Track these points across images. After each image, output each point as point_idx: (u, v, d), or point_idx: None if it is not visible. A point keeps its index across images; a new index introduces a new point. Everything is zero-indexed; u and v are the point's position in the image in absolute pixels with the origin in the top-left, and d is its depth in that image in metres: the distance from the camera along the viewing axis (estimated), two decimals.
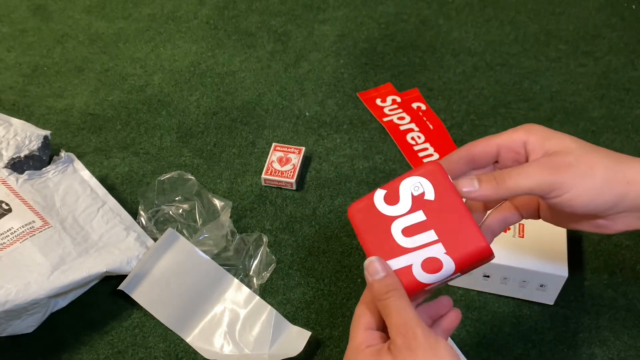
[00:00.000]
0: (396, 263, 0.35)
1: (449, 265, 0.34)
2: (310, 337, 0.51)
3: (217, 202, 0.61)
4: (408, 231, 0.35)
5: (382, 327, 0.36)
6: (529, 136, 0.35)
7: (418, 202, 0.35)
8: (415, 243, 0.34)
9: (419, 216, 0.35)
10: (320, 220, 0.63)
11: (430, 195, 0.35)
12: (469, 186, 0.34)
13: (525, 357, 0.52)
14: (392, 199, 0.36)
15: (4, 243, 0.53)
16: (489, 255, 0.34)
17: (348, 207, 0.37)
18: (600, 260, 0.58)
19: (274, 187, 0.66)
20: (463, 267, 0.34)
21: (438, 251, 0.34)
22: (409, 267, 0.34)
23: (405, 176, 0.36)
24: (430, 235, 0.34)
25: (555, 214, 0.38)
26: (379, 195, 0.36)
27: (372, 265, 0.34)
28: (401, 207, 0.35)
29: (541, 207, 0.39)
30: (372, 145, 0.70)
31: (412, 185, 0.35)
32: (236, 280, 0.57)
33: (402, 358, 0.32)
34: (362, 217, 0.36)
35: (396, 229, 0.35)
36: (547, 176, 0.33)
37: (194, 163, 0.69)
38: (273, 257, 0.59)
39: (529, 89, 0.76)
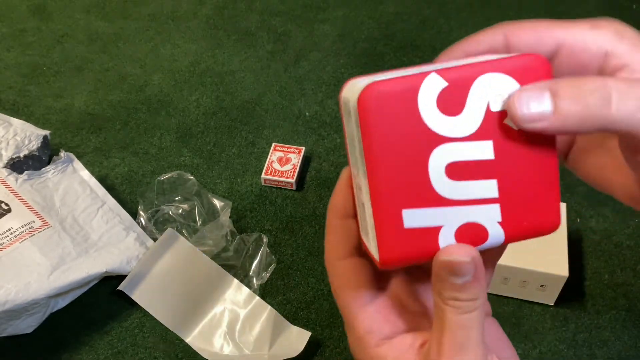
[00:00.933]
0: (419, 217, 0.21)
1: (495, 238, 0.22)
2: (310, 337, 0.51)
3: (217, 202, 0.61)
4: (456, 170, 0.21)
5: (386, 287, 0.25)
6: (619, 44, 0.22)
7: (492, 124, 0.20)
8: (461, 194, 0.21)
9: (485, 150, 0.21)
10: (320, 220, 0.63)
11: None
12: (538, 102, 0.19)
13: (526, 358, 0.52)
14: (452, 102, 0.20)
15: (4, 243, 0.53)
16: (554, 230, 0.23)
17: (364, 88, 0.20)
18: (600, 261, 0.58)
19: (274, 187, 0.66)
20: (511, 242, 0.23)
21: (489, 216, 0.21)
22: (436, 229, 0.21)
23: (488, 66, 0.20)
24: (489, 187, 0.21)
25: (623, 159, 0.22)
26: (431, 86, 0.20)
27: (461, 267, 0.21)
28: (462, 124, 0.20)
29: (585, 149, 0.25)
30: None
31: (495, 91, 0.20)
32: (236, 281, 0.57)
33: None
34: (385, 119, 0.20)
35: (439, 160, 0.21)
36: None
37: (193, 163, 0.69)
38: (273, 257, 0.59)
39: None
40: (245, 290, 0.56)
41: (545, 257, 0.52)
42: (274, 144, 0.68)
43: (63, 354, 0.53)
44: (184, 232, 0.59)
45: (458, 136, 0.21)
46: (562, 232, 0.54)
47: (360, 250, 0.24)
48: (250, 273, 0.58)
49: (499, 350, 0.25)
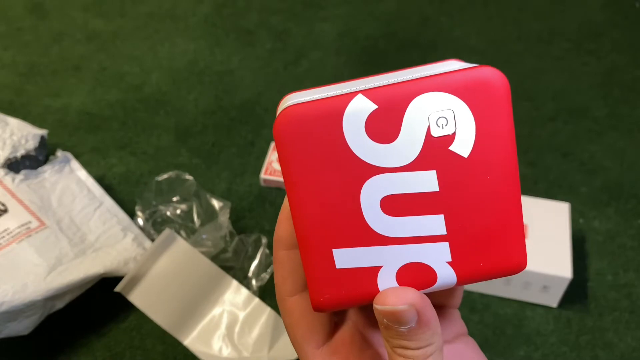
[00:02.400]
0: (353, 256, 0.19)
1: (445, 280, 0.19)
2: None
3: (216, 203, 0.60)
4: (394, 204, 0.18)
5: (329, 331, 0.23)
6: None
7: (435, 150, 0.18)
8: (401, 231, 0.18)
9: (427, 181, 0.18)
10: None
11: (464, 143, 0.18)
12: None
13: None
14: (384, 127, 0.18)
15: (1, 244, 0.53)
16: (520, 270, 0.20)
17: (279, 113, 0.18)
18: (604, 262, 0.57)
19: (273, 187, 0.65)
20: (467, 283, 0.20)
21: (437, 256, 0.19)
22: (374, 269, 0.19)
23: (425, 85, 0.17)
24: (435, 224, 0.18)
25: None
26: (358, 110, 0.17)
27: (402, 316, 0.19)
28: (397, 152, 0.18)
29: None
30: None
31: (434, 113, 0.17)
32: (235, 282, 0.56)
33: None
34: (305, 147, 0.17)
35: (371, 193, 0.18)
36: None
37: (192, 163, 0.68)
38: (272, 258, 0.59)
39: (531, 87, 0.75)
40: (245, 291, 0.56)
41: (548, 258, 0.51)
42: (273, 144, 0.68)
43: (60, 355, 0.53)
44: (182, 232, 0.59)
45: (393, 166, 0.18)
46: (565, 232, 0.53)
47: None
48: (250, 274, 0.57)
49: None
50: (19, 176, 0.59)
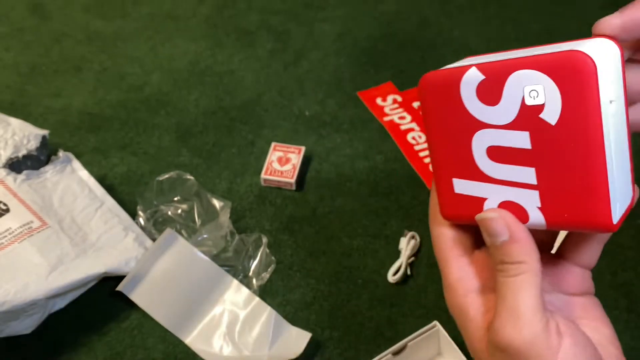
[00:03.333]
0: (465, 186, 0.24)
1: (536, 221, 0.24)
2: (310, 338, 0.51)
3: (216, 203, 0.61)
4: (496, 153, 0.23)
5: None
6: None
7: (528, 116, 0.22)
8: (501, 174, 0.23)
9: (522, 140, 0.22)
10: (320, 220, 0.63)
11: (551, 113, 0.21)
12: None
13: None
14: (490, 93, 0.22)
15: (2, 243, 0.53)
16: (610, 231, 0.23)
17: (423, 75, 0.24)
18: (602, 261, 0.58)
19: (273, 187, 0.66)
20: (558, 229, 0.24)
21: (529, 200, 0.23)
22: (481, 199, 0.24)
23: (522, 63, 0.22)
24: (528, 174, 0.23)
25: None
26: (471, 78, 0.23)
27: (491, 225, 0.23)
28: (499, 114, 0.22)
29: None
30: (373, 145, 0.70)
31: (528, 86, 0.22)
32: (235, 281, 0.57)
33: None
34: (436, 101, 0.24)
35: (480, 142, 0.23)
36: None
37: (192, 163, 0.68)
38: (273, 257, 0.59)
39: None
40: (245, 291, 0.56)
41: None
42: (273, 144, 0.68)
43: (61, 355, 0.53)
44: (183, 232, 0.59)
45: (496, 123, 0.23)
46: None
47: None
48: (250, 274, 0.57)
49: (597, 327, 0.26)
50: (21, 176, 0.59)
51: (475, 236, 0.27)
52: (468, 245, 0.27)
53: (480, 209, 0.25)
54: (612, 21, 0.23)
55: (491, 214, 0.24)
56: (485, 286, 0.26)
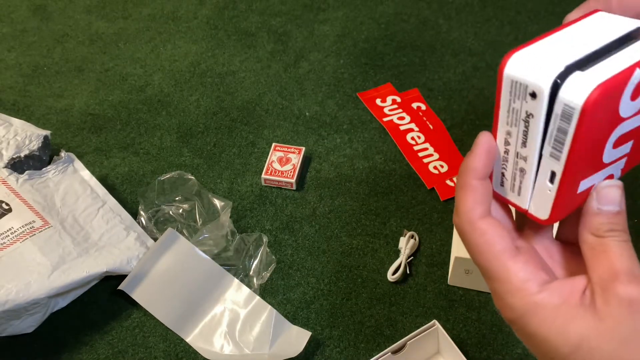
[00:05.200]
0: (588, 182, 0.25)
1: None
2: (310, 337, 0.51)
3: (217, 202, 0.61)
4: (619, 140, 0.24)
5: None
6: None
7: None
8: (614, 156, 0.25)
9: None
10: (320, 220, 0.63)
11: None
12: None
13: (525, 357, 0.52)
14: (638, 90, 0.23)
15: (4, 243, 0.53)
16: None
17: (589, 94, 0.21)
18: None
19: (274, 187, 0.66)
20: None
21: (618, 167, 0.26)
22: (592, 187, 0.25)
23: None
24: (627, 147, 0.25)
25: None
26: (635, 80, 0.22)
27: (609, 193, 0.24)
28: (637, 106, 0.23)
29: None
30: (372, 145, 0.70)
31: None
32: (236, 280, 0.57)
33: (620, 322, 0.22)
34: (598, 115, 0.22)
35: (614, 137, 0.24)
36: None
37: (194, 163, 0.69)
38: (273, 257, 0.59)
39: None
40: (246, 290, 0.56)
41: None
42: (274, 144, 0.68)
43: (63, 353, 0.53)
44: (185, 232, 0.59)
45: (631, 115, 0.23)
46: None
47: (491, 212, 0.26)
48: (251, 273, 0.58)
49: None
50: (23, 176, 0.59)
51: (514, 233, 0.27)
52: (515, 247, 0.26)
53: (586, 196, 0.25)
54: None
55: (614, 182, 0.24)
56: (550, 276, 0.25)
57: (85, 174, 0.63)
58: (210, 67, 0.81)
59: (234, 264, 0.58)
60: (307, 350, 0.51)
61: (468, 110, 0.74)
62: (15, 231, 0.54)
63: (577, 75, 0.22)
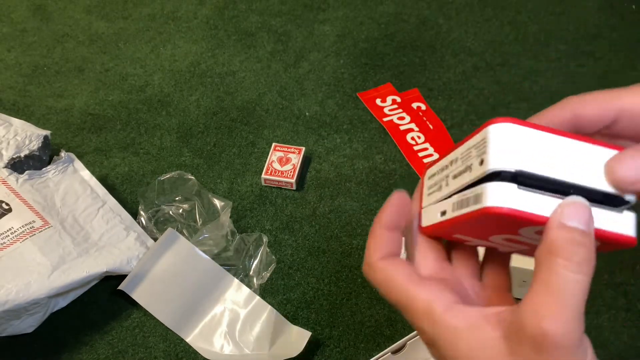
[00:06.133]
0: (463, 238, 0.27)
1: None
2: (311, 337, 0.51)
3: (217, 202, 0.61)
4: (512, 241, 0.27)
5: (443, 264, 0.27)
6: None
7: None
8: (500, 242, 0.27)
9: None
10: (320, 220, 0.63)
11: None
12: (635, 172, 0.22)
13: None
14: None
15: (4, 243, 0.53)
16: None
17: (501, 208, 0.23)
18: (599, 260, 0.58)
19: (274, 187, 0.66)
20: None
21: None
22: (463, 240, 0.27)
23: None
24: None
25: None
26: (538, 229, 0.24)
27: (576, 209, 0.21)
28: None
29: None
30: (372, 145, 0.70)
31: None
32: (236, 280, 0.57)
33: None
34: (493, 222, 0.24)
35: (505, 237, 0.27)
36: None
37: (194, 163, 0.69)
38: (273, 257, 0.59)
39: (529, 89, 0.76)
40: (246, 290, 0.56)
41: None
42: (274, 144, 0.68)
43: (63, 353, 0.53)
44: (185, 232, 0.59)
45: (528, 237, 0.25)
46: None
47: (398, 255, 0.27)
48: (251, 273, 0.58)
49: None
50: (23, 176, 0.59)
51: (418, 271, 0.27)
52: (419, 276, 0.26)
53: (461, 240, 0.27)
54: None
55: (580, 199, 0.22)
56: (457, 300, 0.24)
57: (85, 174, 0.63)
58: (210, 67, 0.81)
59: (234, 264, 0.58)
60: (307, 350, 0.51)
61: (468, 110, 0.74)
62: (15, 231, 0.54)
63: (516, 188, 0.22)
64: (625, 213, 0.23)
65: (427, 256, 0.27)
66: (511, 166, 0.22)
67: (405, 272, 0.25)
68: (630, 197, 0.23)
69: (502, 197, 0.22)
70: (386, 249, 0.26)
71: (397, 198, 0.27)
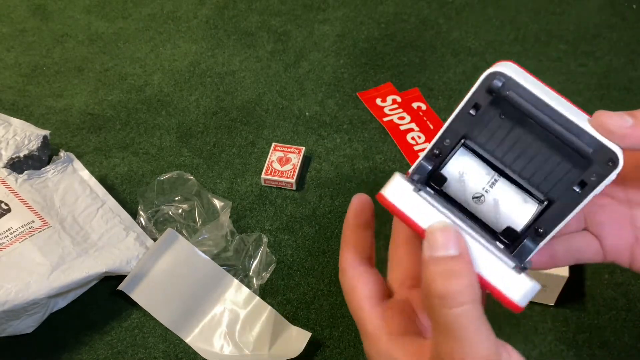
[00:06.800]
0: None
1: None
2: (311, 337, 0.51)
3: (217, 202, 0.61)
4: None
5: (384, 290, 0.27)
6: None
7: None
8: None
9: None
10: (320, 220, 0.63)
11: None
12: (620, 121, 0.23)
13: (526, 358, 0.52)
14: None
15: (4, 243, 0.53)
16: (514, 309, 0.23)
17: (383, 195, 0.26)
18: None
19: (273, 187, 0.66)
20: None
21: None
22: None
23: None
24: None
25: None
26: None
27: (436, 236, 0.22)
28: None
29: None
30: (372, 145, 0.70)
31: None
32: (236, 281, 0.57)
33: None
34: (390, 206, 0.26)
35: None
36: None
37: (193, 163, 0.69)
38: (273, 257, 0.59)
39: None
40: (245, 290, 0.56)
41: None
42: (274, 144, 0.68)
43: (63, 354, 0.53)
44: (184, 232, 0.59)
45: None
46: None
47: (371, 261, 0.27)
48: (250, 273, 0.58)
49: None
50: (22, 176, 0.59)
51: (385, 285, 0.27)
52: (380, 295, 0.26)
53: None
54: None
55: (444, 223, 0.22)
56: (405, 330, 0.25)
57: (85, 174, 0.63)
58: (210, 66, 0.81)
59: (233, 264, 0.58)
60: (307, 351, 0.51)
61: None
62: (14, 231, 0.54)
63: (412, 189, 0.25)
64: (522, 277, 0.22)
65: (400, 264, 0.28)
66: (508, 72, 0.24)
67: (367, 289, 0.26)
68: (528, 264, 0.24)
69: (396, 189, 0.24)
70: (355, 252, 0.27)
71: (357, 198, 0.27)
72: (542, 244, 0.24)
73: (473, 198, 0.25)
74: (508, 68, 0.24)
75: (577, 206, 0.24)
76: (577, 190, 0.24)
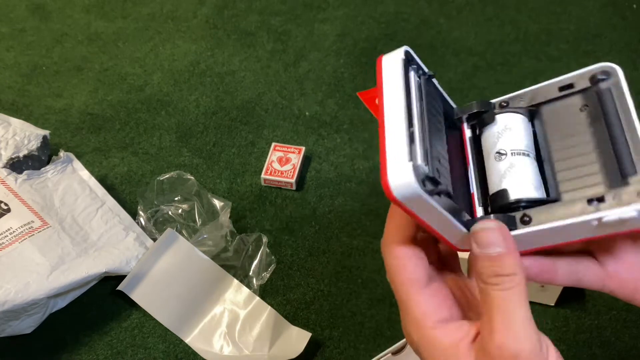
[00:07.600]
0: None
1: None
2: (310, 337, 0.51)
3: (217, 202, 0.61)
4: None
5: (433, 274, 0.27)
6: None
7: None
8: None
9: None
10: (320, 220, 0.63)
11: None
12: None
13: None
14: None
15: (3, 243, 0.53)
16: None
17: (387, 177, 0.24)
18: None
19: (273, 187, 0.66)
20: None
21: None
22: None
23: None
24: None
25: None
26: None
27: (485, 235, 0.24)
28: None
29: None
30: (372, 145, 0.70)
31: None
32: (236, 281, 0.57)
33: None
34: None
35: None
36: None
37: (193, 163, 0.69)
38: (273, 257, 0.59)
39: None
40: (245, 290, 0.56)
41: None
42: (273, 144, 0.68)
43: (62, 354, 0.53)
44: (184, 232, 0.59)
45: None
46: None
47: (416, 240, 0.27)
48: (250, 273, 0.58)
49: None
50: (22, 176, 0.59)
51: (430, 265, 0.27)
52: (428, 276, 0.26)
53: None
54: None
55: (489, 224, 0.24)
56: (451, 315, 0.26)
57: (84, 174, 0.63)
58: (210, 66, 0.80)
59: (233, 265, 0.58)
60: (307, 351, 0.51)
61: None
62: (14, 231, 0.54)
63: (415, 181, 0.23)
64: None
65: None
66: (618, 72, 0.25)
67: (416, 271, 0.26)
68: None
69: (402, 172, 0.22)
70: (406, 232, 0.26)
71: None
72: (523, 231, 0.24)
73: (496, 152, 0.25)
74: (619, 71, 0.25)
75: (579, 216, 0.23)
76: (591, 204, 0.23)
